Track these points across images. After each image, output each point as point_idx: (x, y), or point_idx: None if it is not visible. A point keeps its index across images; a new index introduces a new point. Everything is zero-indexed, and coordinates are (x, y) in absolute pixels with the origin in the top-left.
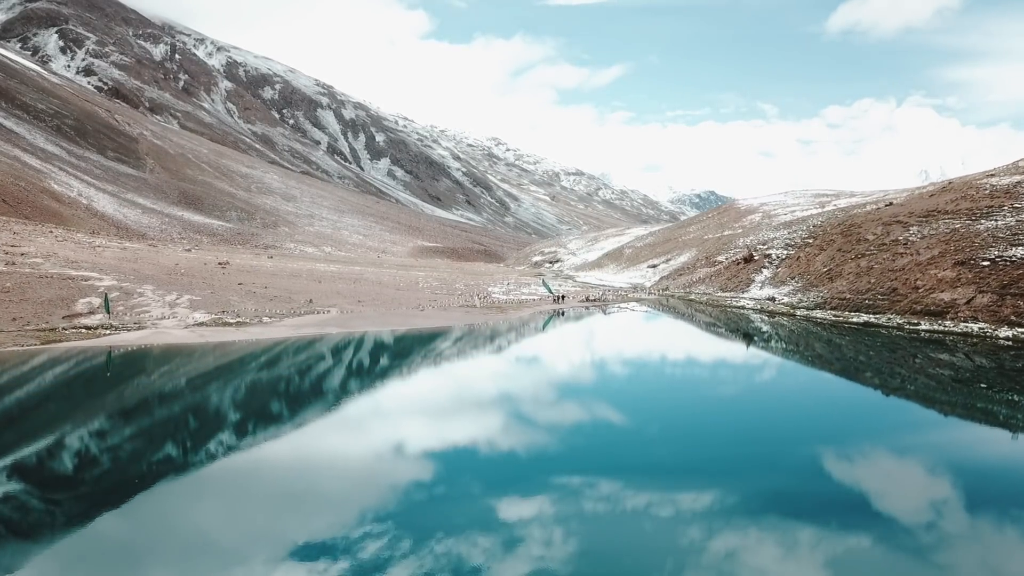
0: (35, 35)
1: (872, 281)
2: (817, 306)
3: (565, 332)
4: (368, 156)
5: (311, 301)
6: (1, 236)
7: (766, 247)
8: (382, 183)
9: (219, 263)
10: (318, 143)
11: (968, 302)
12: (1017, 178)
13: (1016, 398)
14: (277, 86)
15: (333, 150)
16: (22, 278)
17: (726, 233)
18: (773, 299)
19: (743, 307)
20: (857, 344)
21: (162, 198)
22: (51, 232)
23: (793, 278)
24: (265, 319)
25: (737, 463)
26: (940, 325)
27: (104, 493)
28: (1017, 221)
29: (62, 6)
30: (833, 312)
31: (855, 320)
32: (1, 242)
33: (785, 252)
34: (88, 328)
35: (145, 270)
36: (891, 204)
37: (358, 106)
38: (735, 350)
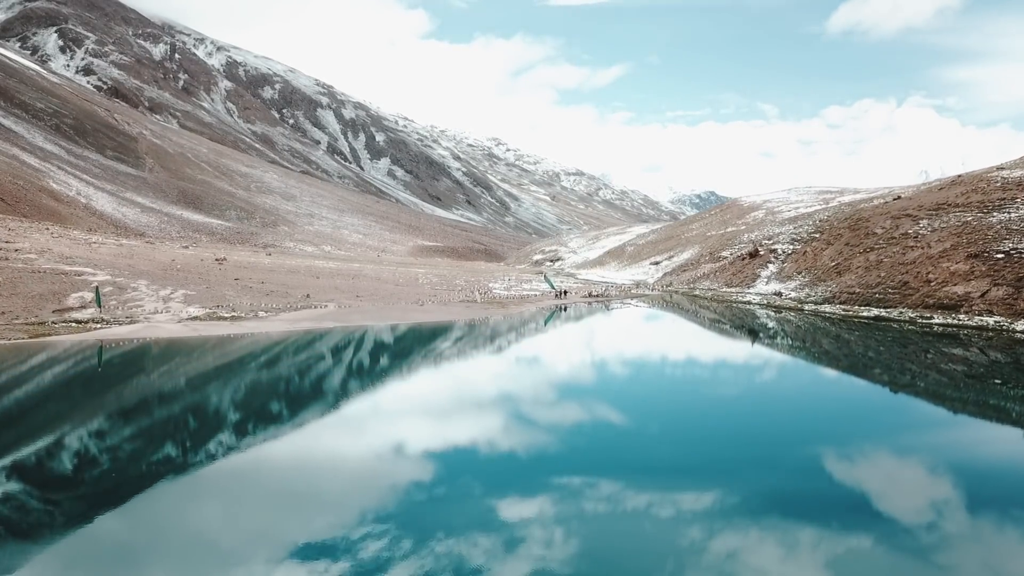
0: (34, 34)
1: (882, 275)
2: (825, 300)
3: (568, 328)
4: (368, 156)
5: (308, 296)
6: None
7: (771, 242)
8: (382, 183)
9: (216, 259)
10: (318, 143)
11: (982, 295)
12: None
13: None
14: (277, 86)
15: (333, 150)
16: (13, 273)
17: (729, 230)
18: (780, 294)
19: (749, 302)
20: (867, 339)
21: (161, 197)
22: (47, 229)
23: (800, 273)
24: (261, 313)
25: (742, 462)
26: (954, 319)
27: (83, 488)
28: None
29: (62, 5)
30: (842, 307)
31: (865, 314)
32: None
33: (791, 247)
34: (78, 322)
35: (140, 265)
36: (899, 198)
37: (358, 106)
38: (742, 346)
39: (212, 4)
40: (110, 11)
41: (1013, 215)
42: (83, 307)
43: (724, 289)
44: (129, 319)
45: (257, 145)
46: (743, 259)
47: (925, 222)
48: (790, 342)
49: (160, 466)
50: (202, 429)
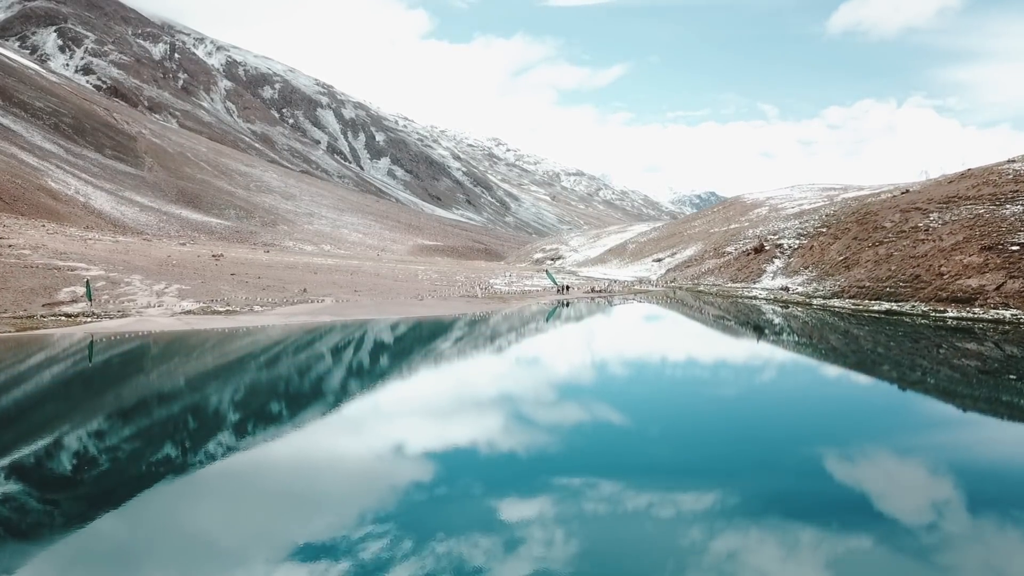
0: (34, 34)
1: (892, 268)
2: (834, 295)
3: (570, 324)
4: (368, 156)
5: (305, 290)
6: None
7: (777, 237)
8: (382, 182)
9: (213, 255)
10: (318, 142)
11: (998, 288)
12: None
13: None
14: (277, 85)
15: (333, 149)
16: (4, 268)
17: (733, 226)
18: (787, 289)
19: (755, 297)
20: (877, 334)
21: (160, 196)
22: (42, 226)
23: (807, 267)
24: (256, 308)
25: (747, 462)
26: (969, 312)
27: (62, 484)
28: None
29: (61, 5)
30: (852, 301)
31: (876, 308)
32: None
33: (797, 242)
34: (68, 316)
35: (136, 261)
36: (907, 192)
37: (358, 106)
38: (750, 341)
39: (212, 4)
40: (109, 11)
41: None
42: (74, 301)
43: (729, 284)
44: (120, 313)
45: (257, 145)
46: (748, 254)
47: (935, 215)
48: (798, 338)
49: (140, 462)
50: (185, 423)
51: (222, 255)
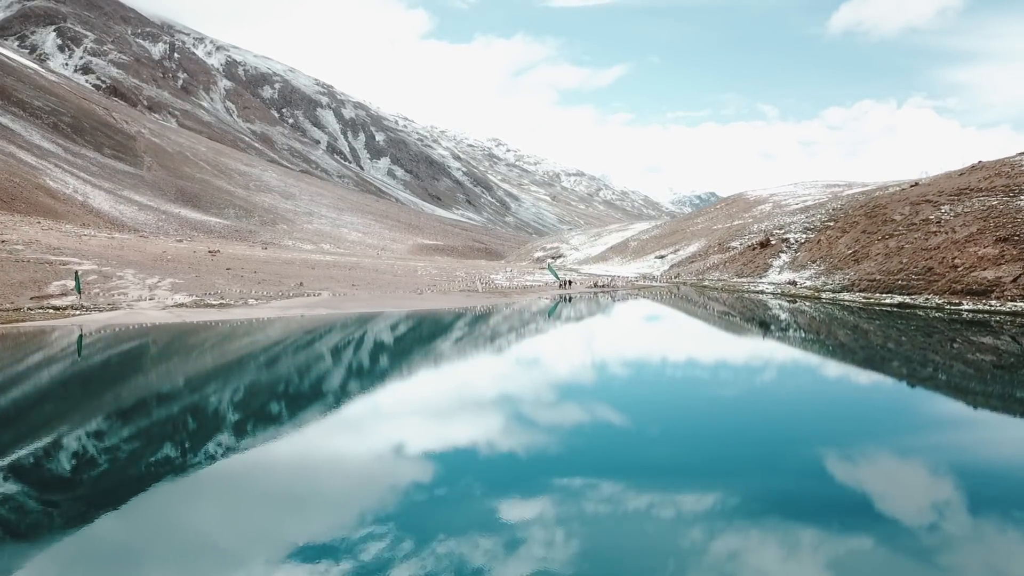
0: (33, 33)
1: (904, 261)
2: (844, 288)
3: (573, 318)
4: (368, 155)
5: (301, 284)
6: None
7: (783, 232)
8: (382, 182)
9: (209, 251)
10: (318, 142)
11: (1015, 280)
12: None
13: None
14: (276, 85)
15: (333, 149)
16: None
17: (736, 222)
18: (794, 283)
19: (762, 292)
20: (888, 328)
21: (159, 195)
22: (38, 223)
23: (815, 261)
24: (251, 301)
25: (751, 462)
26: (985, 304)
27: (35, 481)
28: None
29: (60, 4)
30: (863, 294)
31: (888, 302)
32: None
33: (804, 236)
34: (57, 308)
35: (130, 256)
36: (916, 184)
37: (358, 106)
38: (755, 338)
39: (212, 3)
40: (109, 10)
41: None
42: (63, 294)
43: (734, 279)
44: (111, 306)
45: (256, 144)
46: (753, 249)
47: (947, 207)
48: (806, 334)
49: (130, 458)
50: (169, 418)
51: (218, 251)
